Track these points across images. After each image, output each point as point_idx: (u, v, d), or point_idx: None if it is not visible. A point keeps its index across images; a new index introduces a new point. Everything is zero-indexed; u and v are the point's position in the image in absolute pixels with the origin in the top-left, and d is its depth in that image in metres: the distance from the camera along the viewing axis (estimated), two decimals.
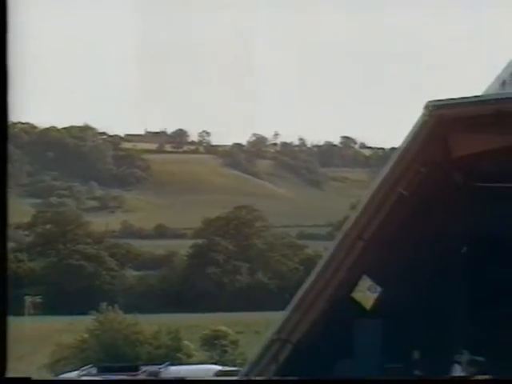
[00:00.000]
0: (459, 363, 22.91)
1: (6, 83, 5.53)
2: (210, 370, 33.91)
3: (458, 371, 22.94)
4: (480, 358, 22.67)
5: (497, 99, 21.97)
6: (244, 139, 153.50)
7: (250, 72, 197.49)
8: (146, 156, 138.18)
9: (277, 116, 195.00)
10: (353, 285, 24.21)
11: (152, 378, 16.64)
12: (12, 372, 5.99)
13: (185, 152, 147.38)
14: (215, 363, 40.82)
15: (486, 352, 22.72)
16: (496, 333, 23.15)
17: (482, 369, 22.70)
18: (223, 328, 58.61)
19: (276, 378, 15.56)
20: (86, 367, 32.07)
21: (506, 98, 21.89)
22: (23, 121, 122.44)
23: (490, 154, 21.96)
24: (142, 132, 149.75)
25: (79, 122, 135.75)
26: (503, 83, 23.11)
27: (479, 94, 22.67)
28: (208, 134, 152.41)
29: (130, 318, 55.14)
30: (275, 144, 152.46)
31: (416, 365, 23.40)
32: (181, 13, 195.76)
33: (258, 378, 16.06)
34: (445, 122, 21.55)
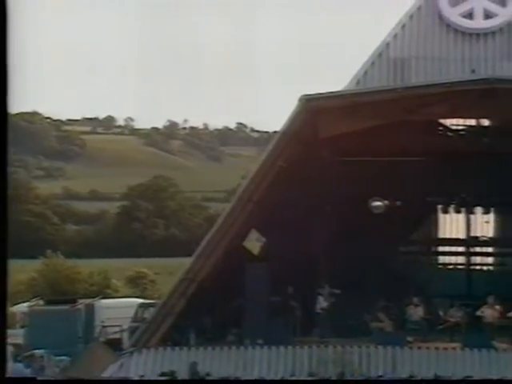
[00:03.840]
0: (321, 295, 23.20)
1: (5, 78, 5.22)
2: (133, 302, 33.69)
3: (320, 301, 23.21)
4: (337, 291, 23.01)
5: (353, 94, 22.26)
6: (160, 124, 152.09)
7: (163, 67, 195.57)
8: (82, 136, 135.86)
9: (185, 105, 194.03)
10: (244, 236, 24.37)
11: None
12: None
13: (113, 133, 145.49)
14: (137, 297, 40.52)
15: (341, 286, 23.08)
16: (348, 271, 23.54)
17: (337, 299, 23.05)
18: (144, 270, 58.20)
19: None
20: (35, 299, 31.60)
21: (360, 92, 22.20)
22: None
23: (349, 135, 22.23)
24: (79, 117, 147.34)
25: (29, 109, 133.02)
26: (358, 82, 23.42)
27: (340, 89, 22.94)
28: (132, 119, 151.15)
29: (70, 261, 54.40)
30: (185, 128, 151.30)
31: (291, 297, 23.64)
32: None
33: (258, 379, 15.39)
34: (314, 111, 21.75)
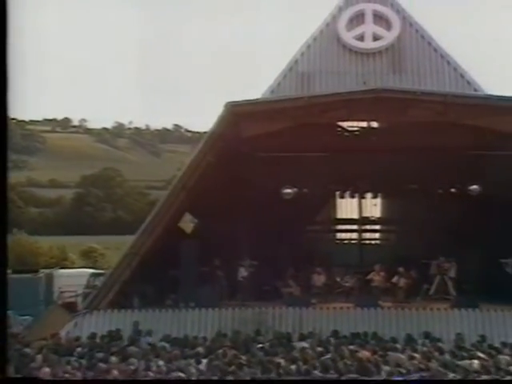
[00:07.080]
0: (243, 266, 23.22)
1: (5, 80, 4.77)
2: (86, 272, 33.21)
3: (242, 271, 23.20)
4: (255, 262, 23.06)
5: (269, 101, 22.28)
6: (109, 124, 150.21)
7: (112, 75, 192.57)
8: (43, 134, 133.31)
9: (130, 108, 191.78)
10: (179, 218, 24.17)
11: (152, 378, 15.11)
12: None
13: (69, 132, 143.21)
14: (90, 268, 39.90)
15: (258, 258, 23.13)
16: (265, 247, 23.54)
17: (255, 269, 23.07)
18: (95, 245, 57.48)
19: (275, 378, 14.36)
20: None
21: (275, 100, 22.20)
22: None
23: (266, 135, 22.23)
24: (40, 118, 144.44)
25: None
26: (272, 91, 23.45)
27: (258, 97, 22.92)
28: (85, 120, 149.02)
29: (32, 238, 53.32)
30: (130, 128, 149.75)
31: (218, 268, 23.55)
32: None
33: (257, 379, 15.07)
34: (238, 115, 21.68)
